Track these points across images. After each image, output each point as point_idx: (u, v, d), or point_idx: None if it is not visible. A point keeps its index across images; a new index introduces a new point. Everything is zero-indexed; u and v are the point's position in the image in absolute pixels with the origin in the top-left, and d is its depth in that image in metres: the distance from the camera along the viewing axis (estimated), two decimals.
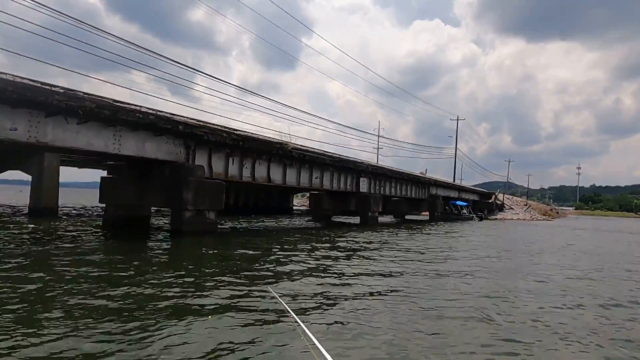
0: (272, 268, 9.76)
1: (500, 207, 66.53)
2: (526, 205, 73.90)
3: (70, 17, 15.21)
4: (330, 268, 10.03)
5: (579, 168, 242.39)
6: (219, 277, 8.20)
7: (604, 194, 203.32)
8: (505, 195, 75.47)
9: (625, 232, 38.41)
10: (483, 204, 63.61)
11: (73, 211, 29.44)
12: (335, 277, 8.85)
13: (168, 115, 15.40)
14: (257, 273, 9.00)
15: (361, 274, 9.36)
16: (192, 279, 7.95)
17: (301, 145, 23.34)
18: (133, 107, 14.11)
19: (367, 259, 12.08)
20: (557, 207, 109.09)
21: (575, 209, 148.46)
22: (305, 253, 12.63)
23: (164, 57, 20.81)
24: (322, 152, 25.07)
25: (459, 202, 50.35)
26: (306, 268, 9.87)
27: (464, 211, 50.56)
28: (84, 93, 12.84)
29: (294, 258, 11.39)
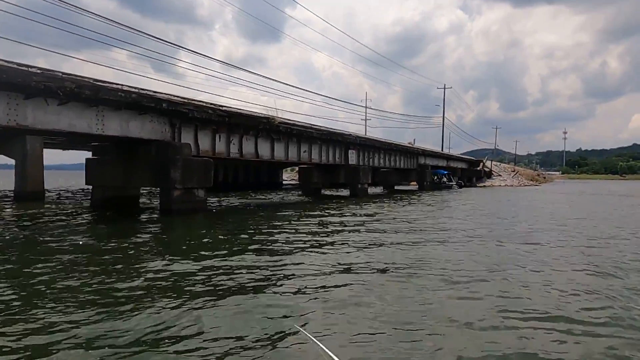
0: (266, 246, 9.77)
1: (489, 174, 67.17)
2: (514, 171, 74.72)
3: None
4: (321, 242, 10.08)
5: (565, 133, 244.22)
6: (212, 261, 8.18)
7: (591, 157, 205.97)
8: (493, 162, 76.18)
9: (609, 194, 39.04)
10: (471, 171, 64.16)
11: (60, 194, 29.12)
12: (326, 251, 8.89)
13: (151, 94, 15.11)
14: (248, 253, 9.01)
15: (348, 245, 9.42)
16: (187, 262, 7.93)
17: (288, 120, 23.15)
18: (115, 86, 13.80)
19: (354, 232, 12.15)
20: (544, 173, 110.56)
21: (562, 174, 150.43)
22: (297, 228, 12.66)
23: (145, 33, 20.31)
24: (310, 125, 24.91)
25: (439, 171, 50.37)
26: (301, 244, 9.90)
27: (444, 179, 50.64)
28: (63, 73, 12.51)
29: (287, 234, 11.41)
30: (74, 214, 16.26)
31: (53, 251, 8.54)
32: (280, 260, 7.82)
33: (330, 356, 2.81)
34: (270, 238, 10.54)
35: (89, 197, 19.98)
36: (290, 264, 7.53)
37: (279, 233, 11.36)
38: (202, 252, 8.56)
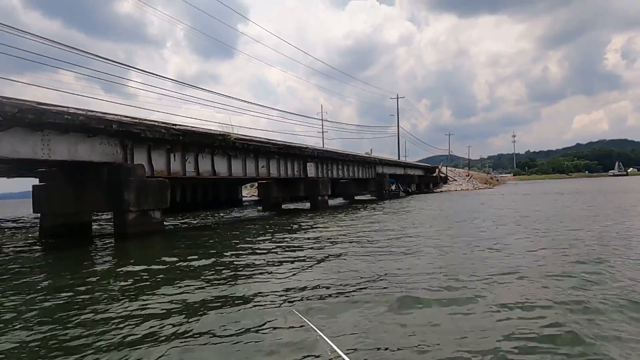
0: (228, 262, 9.60)
1: (445, 180, 68.99)
2: (468, 175, 77.10)
3: None
4: (277, 260, 10.00)
5: (514, 136, 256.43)
6: (172, 281, 7.95)
7: (538, 158, 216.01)
8: (448, 168, 78.33)
9: (559, 192, 40.95)
10: (428, 177, 65.73)
11: (5, 224, 27.60)
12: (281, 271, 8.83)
13: (100, 115, 14.66)
14: (209, 270, 8.82)
15: (303, 261, 9.40)
16: (142, 284, 7.67)
17: (245, 135, 23.02)
18: (60, 108, 13.30)
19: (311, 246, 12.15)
20: (497, 175, 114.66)
21: (513, 175, 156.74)
22: (256, 246, 12.53)
23: (91, 53, 19.66)
24: (267, 140, 24.85)
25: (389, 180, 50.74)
26: (262, 260, 9.79)
27: (392, 187, 51.07)
28: (3, 97, 11.95)
29: (245, 255, 11.25)
30: (21, 244, 15.43)
31: None
32: (235, 285, 7.31)
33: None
34: (227, 260, 10.34)
35: (38, 226, 19.02)
36: (248, 292, 6.67)
37: (237, 254, 11.10)
38: (158, 278, 8.30)
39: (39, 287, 7.83)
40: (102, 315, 5.70)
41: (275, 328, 4.89)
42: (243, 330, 4.85)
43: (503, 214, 19.72)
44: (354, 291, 6.38)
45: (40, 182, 18.04)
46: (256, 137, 24.07)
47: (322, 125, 65.96)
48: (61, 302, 6.56)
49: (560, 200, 29.39)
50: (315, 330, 3.26)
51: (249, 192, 66.87)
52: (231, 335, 4.74)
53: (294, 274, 7.75)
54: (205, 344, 4.51)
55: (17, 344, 4.76)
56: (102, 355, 4.33)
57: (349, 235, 13.59)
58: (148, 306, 6.04)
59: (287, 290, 6.58)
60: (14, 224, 27.44)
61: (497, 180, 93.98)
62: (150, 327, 5.11)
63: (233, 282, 7.35)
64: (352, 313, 5.31)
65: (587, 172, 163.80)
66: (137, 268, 9.13)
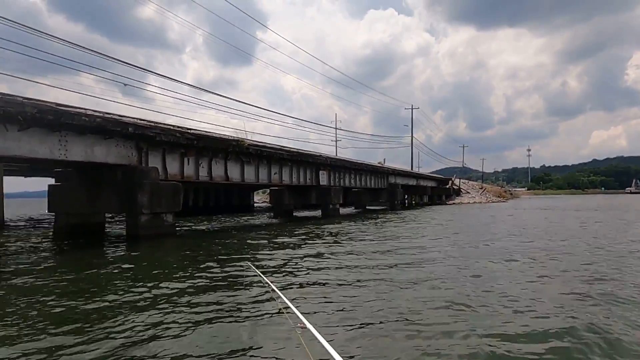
0: (236, 270, 9.62)
1: (457, 192, 68.46)
2: (481, 188, 76.39)
3: (9, 20, 14.37)
4: (289, 270, 9.99)
5: (529, 150, 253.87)
6: (181, 285, 7.99)
7: (554, 173, 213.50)
8: (462, 180, 77.70)
9: (582, 209, 40.25)
10: (441, 189, 65.29)
11: (21, 222, 28.02)
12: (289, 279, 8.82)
13: (116, 117, 14.86)
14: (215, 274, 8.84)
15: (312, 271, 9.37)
16: (153, 287, 7.71)
17: (258, 142, 23.13)
18: (78, 110, 13.51)
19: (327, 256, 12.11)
20: (510, 189, 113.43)
21: (527, 190, 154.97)
22: (267, 253, 12.53)
23: (112, 57, 20.03)
24: (280, 147, 24.93)
25: None
26: (272, 266, 9.79)
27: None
28: (24, 98, 12.19)
29: (256, 261, 11.26)
30: (34, 243, 15.63)
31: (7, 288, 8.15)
32: (246, 292, 7.60)
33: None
34: (236, 265, 10.36)
35: (52, 225, 19.29)
36: (256, 300, 6.79)
37: (246, 259, 11.16)
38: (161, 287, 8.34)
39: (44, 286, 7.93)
40: (101, 304, 5.75)
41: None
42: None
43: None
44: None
45: (55, 182, 18.32)
46: (269, 144, 24.17)
47: (336, 133, 66.10)
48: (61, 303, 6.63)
49: (590, 220, 28.14)
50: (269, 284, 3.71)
51: (260, 198, 67.11)
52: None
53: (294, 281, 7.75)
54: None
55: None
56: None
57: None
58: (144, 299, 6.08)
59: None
60: (29, 222, 27.84)
61: (511, 194, 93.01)
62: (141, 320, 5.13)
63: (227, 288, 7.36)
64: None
65: (603, 188, 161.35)
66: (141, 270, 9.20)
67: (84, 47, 17.60)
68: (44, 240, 16.63)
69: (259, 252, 12.09)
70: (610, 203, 55.40)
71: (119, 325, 5.29)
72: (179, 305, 6.23)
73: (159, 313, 5.76)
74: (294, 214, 33.06)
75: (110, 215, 27.21)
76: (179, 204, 16.67)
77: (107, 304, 6.33)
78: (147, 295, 6.88)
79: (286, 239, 15.54)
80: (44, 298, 6.84)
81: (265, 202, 60.01)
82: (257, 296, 6.58)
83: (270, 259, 10.67)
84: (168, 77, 24.26)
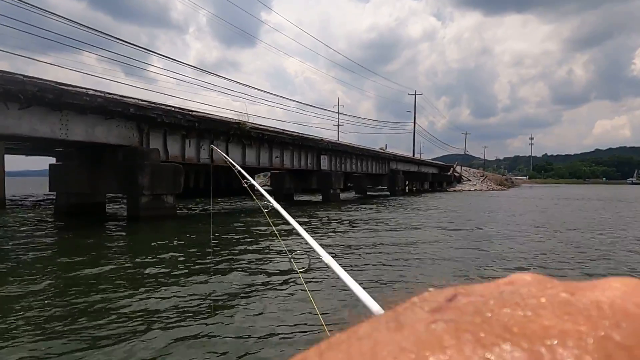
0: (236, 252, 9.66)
1: (459, 179, 68.42)
2: (483, 176, 76.38)
3: None
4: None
5: (531, 138, 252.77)
6: (175, 267, 8.03)
7: (556, 162, 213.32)
8: (463, 167, 77.64)
9: (579, 199, 40.28)
10: (442, 176, 65.19)
11: (21, 201, 28.09)
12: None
13: (118, 98, 14.79)
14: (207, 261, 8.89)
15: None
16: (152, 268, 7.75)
17: (260, 125, 23.04)
18: (79, 89, 13.45)
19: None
20: (511, 177, 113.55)
21: (528, 178, 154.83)
22: (268, 236, 12.57)
23: (114, 37, 19.83)
24: (282, 130, 24.85)
25: None
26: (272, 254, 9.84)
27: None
28: (24, 76, 12.12)
29: (256, 243, 11.30)
30: (35, 221, 15.67)
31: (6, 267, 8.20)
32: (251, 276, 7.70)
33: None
34: (235, 248, 10.41)
35: (53, 204, 19.33)
36: (260, 284, 7.39)
37: (248, 242, 11.21)
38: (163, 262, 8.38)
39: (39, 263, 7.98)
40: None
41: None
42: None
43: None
44: None
45: (57, 161, 18.31)
46: (271, 127, 24.09)
47: (338, 118, 65.84)
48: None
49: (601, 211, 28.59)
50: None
51: (261, 182, 66.91)
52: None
53: None
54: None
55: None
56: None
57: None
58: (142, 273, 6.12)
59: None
60: (29, 202, 27.91)
61: (512, 182, 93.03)
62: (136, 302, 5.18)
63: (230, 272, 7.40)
64: None
65: (604, 178, 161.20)
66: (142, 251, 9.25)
67: (84, 26, 17.51)
68: (44, 219, 16.67)
69: (261, 238, 12.13)
70: (611, 195, 55.42)
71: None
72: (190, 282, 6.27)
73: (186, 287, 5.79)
74: (295, 198, 33.08)
75: (111, 195, 27.25)
76: (179, 186, 16.67)
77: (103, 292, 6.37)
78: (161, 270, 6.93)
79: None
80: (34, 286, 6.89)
81: (265, 185, 59.86)
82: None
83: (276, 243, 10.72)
84: (170, 58, 24.12)
